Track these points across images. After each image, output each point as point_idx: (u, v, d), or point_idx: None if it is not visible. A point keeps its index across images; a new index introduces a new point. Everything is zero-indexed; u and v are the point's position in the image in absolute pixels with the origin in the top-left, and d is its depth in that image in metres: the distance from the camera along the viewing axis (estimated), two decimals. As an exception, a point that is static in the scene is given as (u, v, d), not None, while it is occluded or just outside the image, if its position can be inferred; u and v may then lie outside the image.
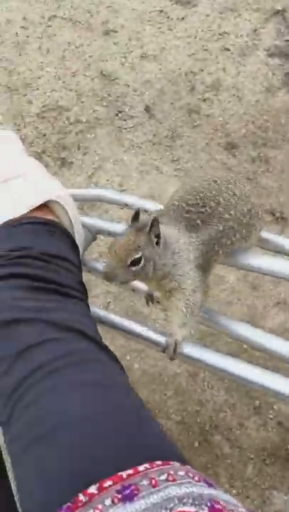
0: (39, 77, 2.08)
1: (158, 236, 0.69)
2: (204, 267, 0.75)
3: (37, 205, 0.73)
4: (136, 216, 0.70)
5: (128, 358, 1.40)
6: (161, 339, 0.80)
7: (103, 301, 1.53)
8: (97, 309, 0.90)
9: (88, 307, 0.67)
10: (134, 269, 0.68)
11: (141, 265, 0.68)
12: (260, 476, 1.24)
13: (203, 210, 0.73)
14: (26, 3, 2.39)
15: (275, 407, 1.33)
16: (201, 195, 0.74)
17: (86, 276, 1.52)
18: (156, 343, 0.81)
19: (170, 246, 0.71)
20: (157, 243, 0.69)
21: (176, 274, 0.72)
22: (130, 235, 0.69)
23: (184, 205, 0.74)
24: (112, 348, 1.36)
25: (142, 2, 2.45)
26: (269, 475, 1.24)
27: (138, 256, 0.67)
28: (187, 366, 1.37)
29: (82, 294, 0.67)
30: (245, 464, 1.26)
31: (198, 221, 0.73)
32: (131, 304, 1.52)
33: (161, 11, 2.40)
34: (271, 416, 1.32)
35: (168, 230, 0.72)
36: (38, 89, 2.04)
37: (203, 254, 0.74)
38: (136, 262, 0.68)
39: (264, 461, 1.26)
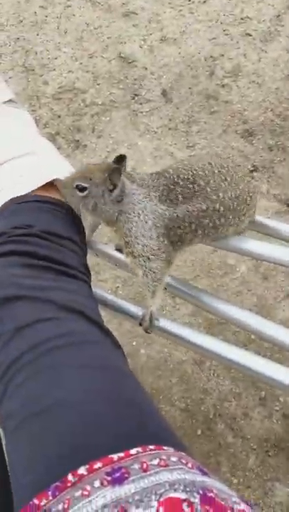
0: (56, 58, 2.05)
1: (115, 185, 0.70)
2: (173, 240, 0.75)
3: (42, 184, 0.72)
4: (120, 158, 0.70)
5: (134, 343, 1.40)
6: (138, 311, 0.81)
7: (112, 286, 1.52)
8: (102, 292, 0.89)
9: (90, 288, 0.66)
10: (77, 192, 0.70)
11: (83, 195, 0.70)
12: (262, 467, 1.23)
13: (190, 186, 0.73)
14: (46, -18, 2.35)
15: (281, 399, 1.32)
16: (194, 172, 0.74)
17: (95, 260, 1.51)
18: (132, 315, 0.82)
19: (126, 203, 0.72)
20: (111, 190, 0.70)
21: (128, 235, 0.73)
22: (100, 167, 0.72)
23: (174, 177, 0.74)
24: (118, 333, 1.35)
25: (164, -16, 2.40)
26: (272, 466, 1.23)
27: (84, 185, 0.70)
28: (193, 354, 1.35)
29: (84, 275, 0.66)
30: (248, 454, 1.25)
31: (180, 196, 0.73)
32: (139, 289, 1.51)
33: (183, -6, 2.35)
34: (277, 408, 1.31)
35: (136, 189, 0.73)
36: (54, 70, 2.02)
37: (169, 229, 0.73)
38: (80, 189, 0.70)
39: (267, 453, 1.24)
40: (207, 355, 0.79)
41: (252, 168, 1.78)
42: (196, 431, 1.28)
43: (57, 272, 0.59)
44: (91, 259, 1.55)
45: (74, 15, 2.23)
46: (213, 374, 1.36)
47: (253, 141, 1.85)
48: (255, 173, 1.77)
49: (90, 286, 0.65)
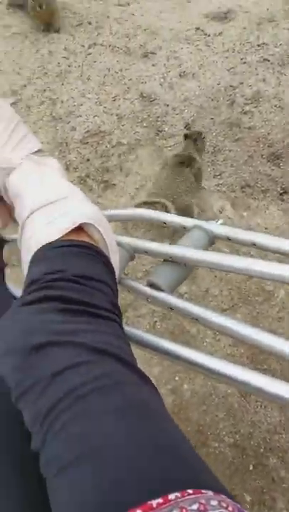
0: (81, 104, 2.14)
1: None
2: None
3: (71, 228, 0.74)
4: None
5: (177, 378, 1.38)
6: (175, 349, 0.81)
7: (149, 321, 1.52)
8: (136, 330, 0.89)
9: (122, 329, 0.67)
10: None
11: None
12: None
13: None
14: (67, 33, 2.49)
15: None
16: None
17: (131, 297, 1.53)
18: (169, 353, 0.82)
19: None
20: None
21: None
22: None
23: None
24: (160, 368, 1.34)
25: (179, 21, 2.49)
26: None
27: None
28: (237, 386, 1.32)
29: (115, 315, 0.67)
30: (304, 488, 1.19)
31: None
32: (178, 322, 1.50)
33: (198, 29, 2.42)
34: None
35: None
36: (80, 116, 2.10)
37: None
38: None
39: None
40: (248, 390, 0.77)
41: (281, 191, 1.77)
42: (247, 466, 1.24)
43: (89, 314, 0.60)
44: (128, 297, 1.57)
45: (95, 61, 2.33)
46: (261, 406, 1.32)
47: (280, 164, 1.85)
48: (285, 196, 1.75)
49: (122, 327, 0.66)
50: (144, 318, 1.53)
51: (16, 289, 0.94)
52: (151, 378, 0.54)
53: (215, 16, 2.45)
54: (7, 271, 1.06)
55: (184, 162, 1.67)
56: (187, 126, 1.87)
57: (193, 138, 1.71)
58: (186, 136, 1.73)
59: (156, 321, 1.52)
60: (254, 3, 2.46)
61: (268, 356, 1.39)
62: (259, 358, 1.40)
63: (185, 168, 1.66)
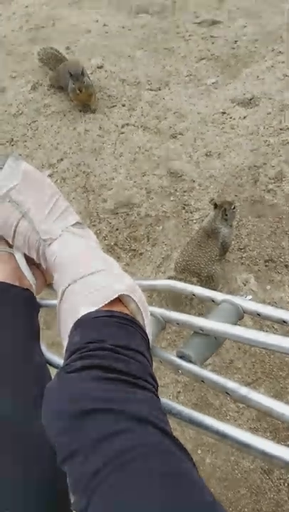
0: (113, 178, 2.29)
1: None
2: None
3: (110, 300, 0.79)
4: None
5: (199, 452, 1.37)
6: (203, 419, 0.80)
7: (173, 391, 1.53)
8: (166, 400, 0.92)
9: (159, 399, 0.70)
10: None
11: None
12: None
13: None
14: (102, 114, 2.70)
15: None
16: None
17: (155, 365, 1.54)
18: (198, 424, 0.81)
19: None
20: None
21: None
22: None
23: None
24: (182, 441, 1.34)
25: (206, 106, 2.68)
26: None
27: None
28: (260, 462, 1.30)
29: (152, 385, 0.70)
30: None
31: None
32: (201, 394, 1.51)
33: (224, 113, 2.60)
34: None
35: None
36: (111, 189, 2.23)
37: None
38: None
39: None
40: (274, 462, 0.77)
41: (304, 267, 1.82)
42: None
43: (128, 383, 0.63)
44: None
45: (127, 140, 2.51)
46: (284, 483, 1.28)
47: (303, 240, 1.91)
48: (307, 271, 1.80)
49: (158, 396, 0.69)
50: (167, 387, 1.54)
51: (44, 350, 0.98)
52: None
53: (240, 102, 2.64)
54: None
55: (210, 235, 1.74)
56: (212, 201, 1.97)
57: (223, 208, 1.78)
58: (215, 206, 1.81)
59: (179, 392, 1.53)
60: (277, 91, 2.65)
61: (292, 433, 1.37)
62: (282, 434, 1.38)
63: (211, 239, 1.74)
